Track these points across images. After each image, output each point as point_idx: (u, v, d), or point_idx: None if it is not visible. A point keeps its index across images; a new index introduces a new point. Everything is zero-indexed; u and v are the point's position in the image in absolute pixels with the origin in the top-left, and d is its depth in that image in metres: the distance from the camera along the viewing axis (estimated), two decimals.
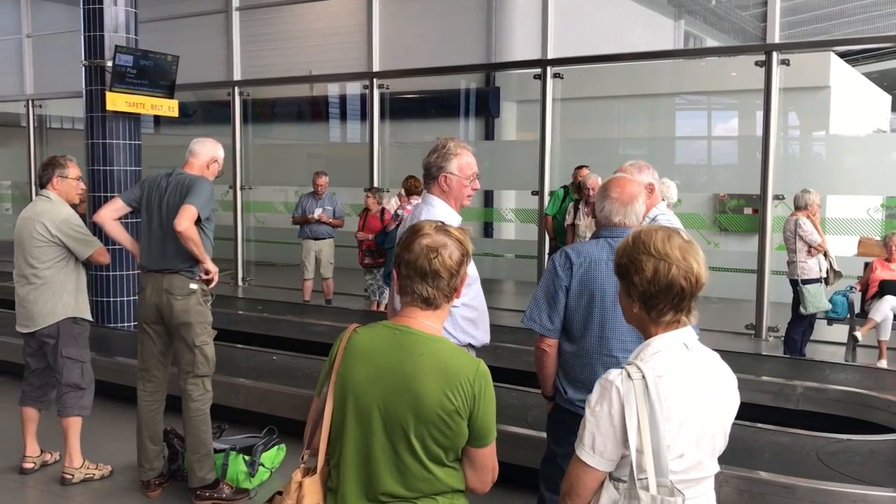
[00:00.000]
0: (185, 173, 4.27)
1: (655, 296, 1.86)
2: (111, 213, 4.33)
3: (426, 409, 1.94)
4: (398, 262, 2.05)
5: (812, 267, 6.94)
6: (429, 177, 3.24)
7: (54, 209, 4.45)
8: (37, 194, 4.65)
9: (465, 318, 3.16)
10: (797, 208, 7.05)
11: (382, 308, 8.39)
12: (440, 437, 1.96)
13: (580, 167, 8.04)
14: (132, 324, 7.53)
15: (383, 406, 1.97)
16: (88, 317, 4.61)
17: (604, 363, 2.84)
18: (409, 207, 8.07)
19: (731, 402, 1.93)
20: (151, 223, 4.25)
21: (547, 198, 8.79)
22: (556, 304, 2.89)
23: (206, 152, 4.37)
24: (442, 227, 2.06)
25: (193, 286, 4.20)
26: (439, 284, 2.01)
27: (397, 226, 7.61)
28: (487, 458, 2.06)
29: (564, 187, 8.41)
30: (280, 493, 2.10)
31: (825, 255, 7.01)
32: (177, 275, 4.18)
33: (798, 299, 6.96)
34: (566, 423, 2.94)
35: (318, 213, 9.09)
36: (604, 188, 3.01)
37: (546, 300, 2.91)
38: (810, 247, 6.91)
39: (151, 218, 4.25)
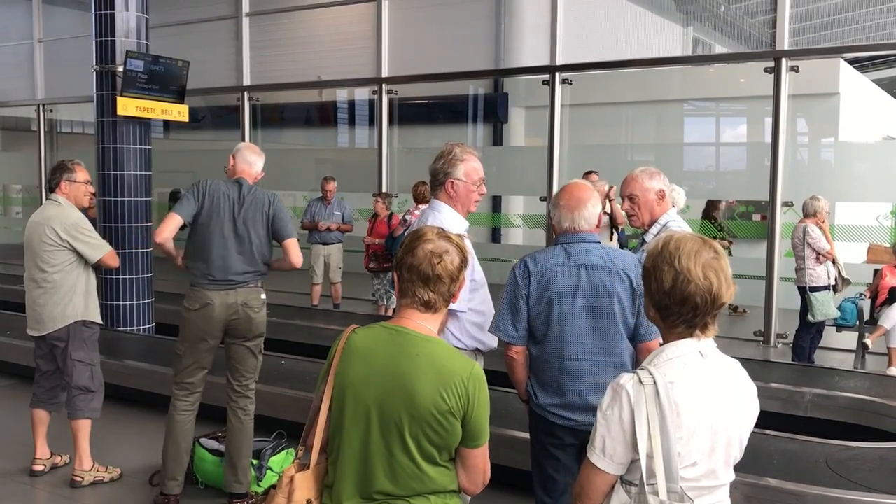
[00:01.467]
0: (260, 190, 4.22)
1: (669, 307, 1.86)
2: (172, 232, 4.04)
3: (420, 409, 1.97)
4: (400, 265, 2.09)
5: (820, 274, 6.93)
6: (436, 183, 3.26)
7: (64, 213, 4.47)
8: (46, 198, 4.67)
9: (473, 323, 3.18)
10: (806, 215, 7.04)
11: (391, 312, 8.41)
12: (434, 437, 1.99)
13: (589, 173, 8.05)
14: (143, 327, 7.56)
15: (379, 405, 2.01)
16: (98, 320, 4.63)
17: (565, 367, 2.91)
18: (416, 213, 8.11)
19: (748, 411, 1.92)
20: (216, 234, 4.07)
21: None
22: (518, 311, 2.96)
23: (261, 165, 4.31)
24: (444, 233, 2.11)
25: (263, 296, 4.24)
26: (440, 289, 2.06)
27: (405, 231, 7.64)
28: (479, 460, 2.09)
29: None
30: (275, 487, 2.16)
31: (833, 262, 7.00)
32: (251, 288, 4.16)
33: (806, 307, 6.94)
34: (537, 427, 3.04)
35: (324, 224, 9.13)
36: (555, 196, 3.07)
37: (509, 309, 2.98)
38: (819, 254, 6.89)
39: (220, 228, 4.07)
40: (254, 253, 4.14)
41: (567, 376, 2.89)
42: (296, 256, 4.20)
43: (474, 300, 3.16)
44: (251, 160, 4.27)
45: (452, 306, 2.99)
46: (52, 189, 4.57)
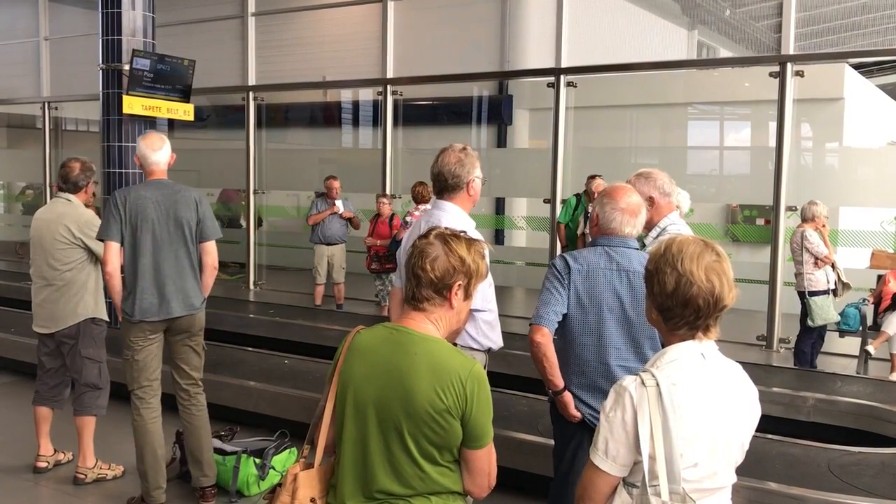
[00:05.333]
0: (184, 188, 4.10)
1: (672, 309, 1.88)
2: (119, 259, 4.01)
3: (416, 407, 1.97)
4: (404, 266, 2.14)
5: (819, 279, 6.92)
6: (455, 185, 3.20)
7: (76, 212, 4.51)
8: (54, 196, 4.69)
9: (486, 321, 3.19)
10: (804, 220, 7.05)
11: None
12: (432, 436, 1.99)
13: (593, 177, 8.05)
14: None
15: (377, 403, 2.02)
16: (105, 317, 4.66)
17: (602, 371, 2.90)
18: (416, 213, 8.15)
19: (750, 413, 1.93)
20: (148, 262, 3.99)
21: (559, 206, 8.81)
22: (556, 300, 2.91)
23: (167, 152, 4.15)
24: (445, 237, 2.09)
25: (203, 299, 4.21)
26: (439, 289, 2.06)
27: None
28: (482, 461, 2.07)
29: (577, 195, 8.43)
30: (281, 485, 2.18)
31: (833, 266, 7.00)
32: (196, 282, 4.15)
33: (806, 311, 6.94)
34: (584, 427, 2.96)
35: (340, 205, 9.14)
36: (610, 197, 2.99)
37: (545, 299, 2.94)
38: (817, 259, 6.89)
39: (152, 252, 3.99)
40: (194, 266, 4.08)
41: (604, 380, 2.86)
42: (213, 258, 4.14)
43: (487, 296, 3.17)
44: (147, 153, 4.09)
45: (475, 305, 3.00)
46: (79, 188, 4.57)
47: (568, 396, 2.96)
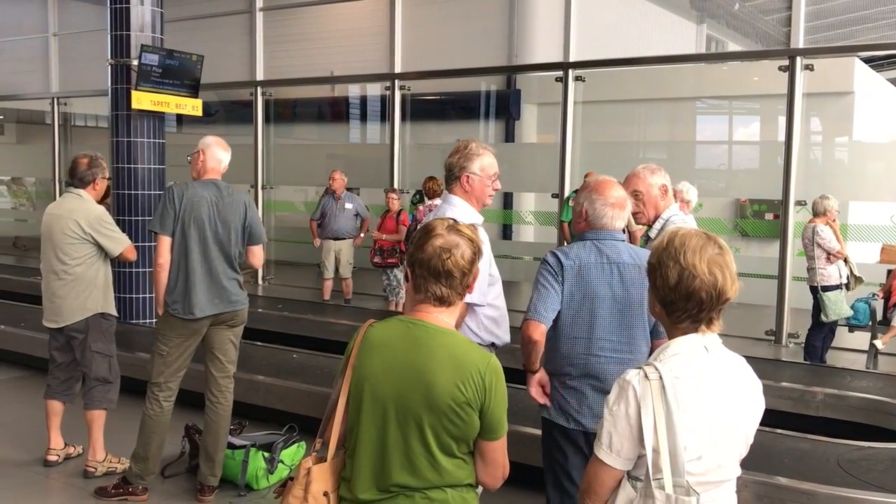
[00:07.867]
0: (236, 191, 4.25)
1: (675, 303, 1.88)
2: (169, 253, 4.14)
3: (438, 400, 1.98)
4: (411, 261, 2.10)
5: (832, 274, 6.89)
6: (451, 177, 3.29)
7: (86, 207, 4.52)
8: (65, 191, 4.70)
9: (489, 317, 3.21)
10: (815, 215, 7.02)
11: (400, 308, 8.43)
12: (452, 428, 2.00)
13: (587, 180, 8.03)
14: (156, 320, 7.61)
15: (396, 397, 2.02)
16: (115, 312, 4.68)
17: (596, 365, 2.89)
18: (421, 208, 8.20)
19: (754, 406, 1.93)
20: (197, 258, 4.09)
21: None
22: (552, 296, 2.91)
23: (228, 161, 4.31)
24: (453, 227, 2.10)
25: (245, 293, 4.33)
26: (452, 283, 2.05)
27: (415, 227, 7.71)
28: (498, 453, 2.09)
29: (576, 192, 8.41)
30: (293, 478, 2.18)
31: (845, 261, 6.97)
32: (237, 280, 4.25)
33: (818, 306, 6.92)
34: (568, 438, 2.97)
35: (349, 206, 9.11)
36: (598, 192, 2.98)
37: (542, 294, 2.92)
38: (829, 253, 6.86)
39: (201, 247, 4.10)
40: (234, 267, 4.20)
41: (597, 373, 2.87)
42: (259, 260, 4.39)
43: (491, 294, 3.18)
44: (221, 157, 4.25)
45: (471, 299, 3.01)
46: (85, 183, 4.57)
47: (543, 375, 3.00)
